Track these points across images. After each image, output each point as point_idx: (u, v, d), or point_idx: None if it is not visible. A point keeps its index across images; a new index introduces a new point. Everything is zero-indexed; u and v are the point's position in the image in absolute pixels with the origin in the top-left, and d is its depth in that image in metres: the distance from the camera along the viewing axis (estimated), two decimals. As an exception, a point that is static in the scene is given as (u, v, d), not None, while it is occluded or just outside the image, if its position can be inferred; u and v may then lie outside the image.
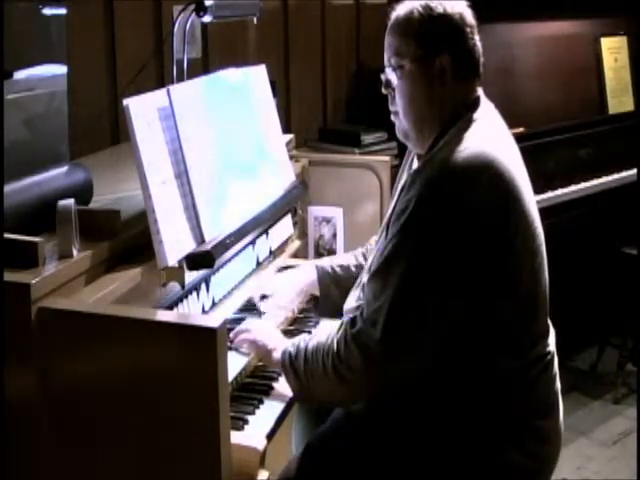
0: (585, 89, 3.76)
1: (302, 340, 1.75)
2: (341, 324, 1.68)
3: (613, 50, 3.85)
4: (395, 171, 2.89)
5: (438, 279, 1.58)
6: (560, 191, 3.41)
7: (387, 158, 3.00)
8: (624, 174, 3.67)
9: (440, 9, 1.70)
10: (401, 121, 1.76)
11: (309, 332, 2.07)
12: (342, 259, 2.16)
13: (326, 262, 2.16)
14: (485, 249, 1.59)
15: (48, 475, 1.54)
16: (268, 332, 1.90)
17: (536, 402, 1.71)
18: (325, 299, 2.11)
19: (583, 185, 3.51)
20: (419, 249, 1.59)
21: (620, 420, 3.49)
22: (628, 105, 3.89)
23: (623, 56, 3.89)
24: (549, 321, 1.80)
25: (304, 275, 2.15)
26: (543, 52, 3.59)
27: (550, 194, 3.36)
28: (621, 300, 3.71)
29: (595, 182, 3.56)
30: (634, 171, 3.63)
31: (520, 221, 1.65)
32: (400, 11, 1.74)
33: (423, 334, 1.60)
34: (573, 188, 3.47)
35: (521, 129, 3.23)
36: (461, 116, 1.70)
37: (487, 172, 1.60)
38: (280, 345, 1.80)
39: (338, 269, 2.11)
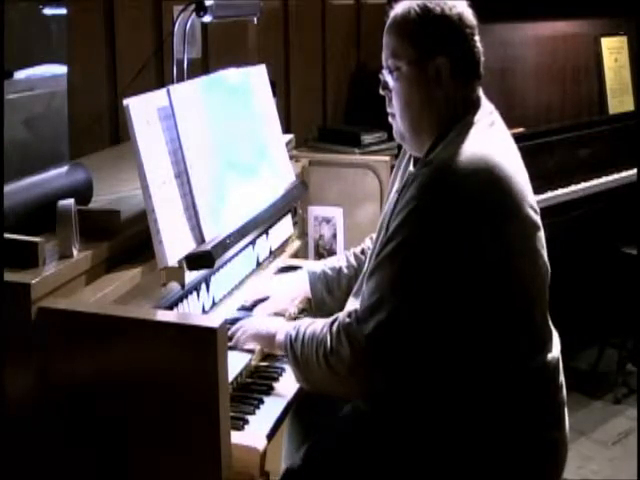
0: (585, 89, 3.76)
1: (303, 324, 1.74)
2: (336, 317, 1.67)
3: (613, 50, 3.85)
4: (394, 171, 2.90)
5: (430, 282, 1.57)
6: (560, 191, 3.41)
7: (387, 158, 3.00)
8: (624, 174, 3.68)
9: (438, 10, 1.67)
10: (397, 123, 1.74)
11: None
12: (333, 261, 2.14)
13: (318, 266, 2.15)
14: (481, 255, 1.57)
15: (48, 475, 1.54)
16: (268, 321, 1.90)
17: (540, 412, 1.67)
18: (318, 302, 2.10)
19: (583, 185, 3.51)
20: (413, 252, 1.58)
21: (620, 420, 3.48)
22: (628, 105, 3.89)
23: (623, 56, 3.89)
24: (553, 329, 1.76)
25: (299, 280, 2.13)
26: (543, 52, 3.59)
27: (550, 194, 3.35)
28: (621, 300, 3.71)
29: (595, 182, 3.56)
30: (634, 171, 3.63)
31: (520, 228, 1.63)
32: (398, 10, 1.71)
33: (412, 335, 1.58)
34: (573, 188, 3.47)
35: (521, 129, 3.24)
36: (460, 118, 1.68)
37: (486, 177, 1.59)
38: (283, 328, 1.80)
39: (329, 271, 2.09)
